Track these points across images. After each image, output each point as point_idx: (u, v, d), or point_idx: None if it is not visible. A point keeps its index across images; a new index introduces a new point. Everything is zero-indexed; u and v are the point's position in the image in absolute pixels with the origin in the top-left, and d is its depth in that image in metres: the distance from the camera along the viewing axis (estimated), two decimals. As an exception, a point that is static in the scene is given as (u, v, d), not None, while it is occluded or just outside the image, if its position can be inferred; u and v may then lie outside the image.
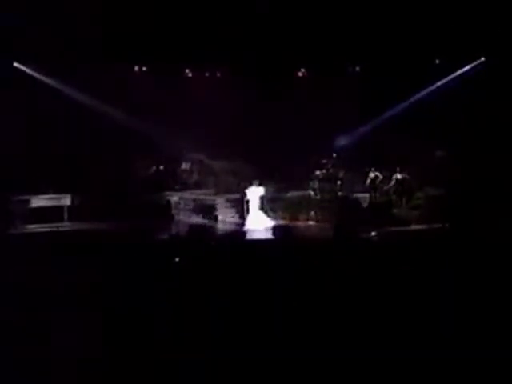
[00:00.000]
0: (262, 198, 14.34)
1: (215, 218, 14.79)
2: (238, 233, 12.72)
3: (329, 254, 7.20)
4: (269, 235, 12.51)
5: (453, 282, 5.70)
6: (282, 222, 14.25)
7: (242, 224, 14.06)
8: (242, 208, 14.44)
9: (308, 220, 14.63)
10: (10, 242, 10.45)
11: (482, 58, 15.55)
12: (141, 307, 5.15)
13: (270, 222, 14.20)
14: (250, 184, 14.51)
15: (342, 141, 16.44)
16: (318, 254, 7.11)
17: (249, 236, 12.49)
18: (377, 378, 4.14)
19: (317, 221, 14.43)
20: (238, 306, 5.25)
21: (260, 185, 14.46)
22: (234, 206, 15.04)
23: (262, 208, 14.38)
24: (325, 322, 4.89)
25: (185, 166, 17.34)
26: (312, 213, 14.76)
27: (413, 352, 4.33)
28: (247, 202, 14.34)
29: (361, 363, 4.23)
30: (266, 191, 14.65)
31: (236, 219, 14.64)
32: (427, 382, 4.13)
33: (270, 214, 14.81)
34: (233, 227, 14.00)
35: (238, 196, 14.97)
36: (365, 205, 14.91)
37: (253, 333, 4.73)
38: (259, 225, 13.82)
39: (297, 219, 14.69)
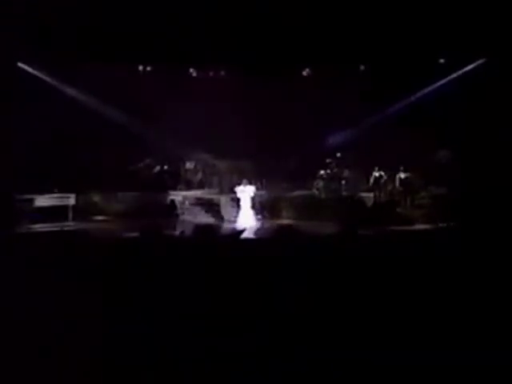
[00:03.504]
0: (252, 197, 14.46)
1: (221, 218, 14.84)
2: (239, 232, 12.69)
3: (332, 254, 7.16)
4: (260, 234, 12.64)
5: (458, 281, 5.63)
6: (284, 222, 14.25)
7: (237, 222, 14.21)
8: (238, 207, 14.59)
9: (311, 220, 14.62)
10: (16, 242, 10.36)
11: (485, 58, 15.45)
12: (144, 308, 5.09)
13: (262, 221, 14.37)
14: (239, 183, 14.63)
15: (346, 140, 16.38)
16: (321, 254, 7.02)
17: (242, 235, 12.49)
18: (377, 379, 4.13)
19: (320, 220, 14.41)
20: (239, 306, 5.21)
21: (249, 184, 14.58)
22: (237, 206, 15.05)
23: (252, 207, 14.48)
24: (326, 322, 4.88)
25: (189, 165, 17.38)
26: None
27: (416, 354, 4.30)
28: (238, 200, 14.49)
29: (363, 364, 4.22)
30: (258, 190, 14.84)
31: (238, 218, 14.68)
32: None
33: (270, 213, 14.90)
34: (236, 226, 14.00)
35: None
36: (369, 204, 14.92)
37: (255, 333, 4.72)
38: (250, 223, 13.90)
39: (300, 219, 14.63)
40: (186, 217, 15.05)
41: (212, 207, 15.25)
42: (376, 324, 4.79)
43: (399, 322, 4.82)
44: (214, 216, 14.95)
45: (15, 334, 4.57)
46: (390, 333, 4.65)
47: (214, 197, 15.85)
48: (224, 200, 15.39)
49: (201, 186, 17.09)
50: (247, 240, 11.01)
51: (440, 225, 12.50)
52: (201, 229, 9.86)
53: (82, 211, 14.80)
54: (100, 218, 14.96)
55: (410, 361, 4.20)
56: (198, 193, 16.30)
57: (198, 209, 15.35)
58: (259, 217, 14.78)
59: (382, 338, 4.56)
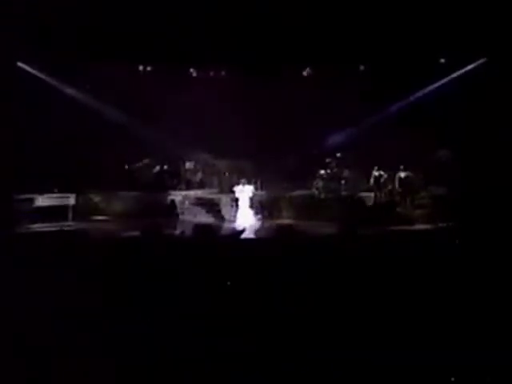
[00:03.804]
0: (251, 197, 14.47)
1: (222, 218, 14.82)
2: (239, 232, 12.70)
3: (332, 254, 7.15)
4: (260, 234, 12.63)
5: (458, 281, 5.69)
6: (284, 222, 14.22)
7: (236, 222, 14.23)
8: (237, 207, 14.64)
9: (311, 220, 14.57)
10: (16, 242, 10.34)
11: (485, 58, 15.38)
12: (143, 307, 5.14)
13: (261, 221, 14.38)
14: (238, 183, 14.66)
15: (346, 140, 16.35)
16: (321, 254, 7.05)
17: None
18: (377, 379, 4.14)
19: (320, 220, 14.36)
20: (239, 306, 5.26)
21: (247, 183, 14.60)
22: (236, 205, 14.98)
23: (251, 206, 14.50)
24: (326, 322, 4.90)
25: (189, 165, 17.32)
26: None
27: (416, 354, 4.32)
28: (236, 200, 14.51)
29: (363, 364, 4.23)
30: (256, 190, 14.90)
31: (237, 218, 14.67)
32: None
33: (269, 213, 14.94)
34: (236, 226, 13.98)
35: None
36: (369, 204, 14.89)
37: (255, 333, 4.74)
38: (248, 223, 13.88)
39: (300, 219, 14.57)
40: (186, 217, 15.01)
41: (212, 207, 15.21)
42: (376, 324, 4.83)
43: (399, 321, 4.85)
44: (214, 216, 14.91)
45: (14, 333, 4.60)
46: (390, 333, 4.67)
47: (215, 196, 15.81)
48: (224, 200, 15.34)
49: (201, 185, 17.04)
50: (247, 240, 11.00)
51: (440, 225, 12.47)
52: (200, 229, 9.87)
53: (82, 211, 14.76)
54: (100, 217, 14.92)
55: (410, 361, 4.21)
56: (198, 192, 16.24)
57: (198, 209, 15.31)
58: (258, 217, 14.75)
59: (382, 338, 4.58)
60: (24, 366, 4.19)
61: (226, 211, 15.04)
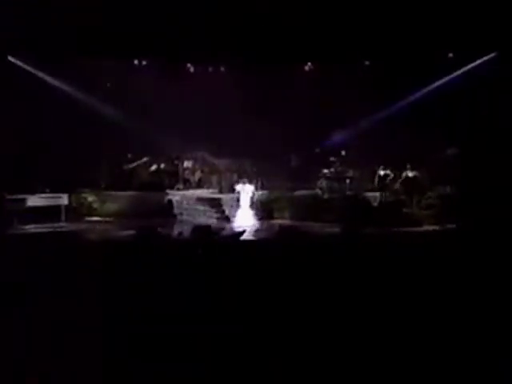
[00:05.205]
0: (251, 196, 14.50)
1: (224, 218, 14.50)
2: (239, 233, 12.47)
3: (335, 256, 7.07)
4: (261, 235, 12.34)
5: (464, 284, 5.60)
6: (286, 222, 13.94)
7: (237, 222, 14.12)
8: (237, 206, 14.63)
9: (314, 220, 14.16)
10: (8, 243, 10.16)
11: (495, 53, 15.16)
12: (140, 309, 5.03)
13: (261, 221, 14.16)
14: (238, 182, 14.72)
15: (351, 138, 16.13)
16: (323, 256, 6.97)
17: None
18: (377, 380, 4.09)
19: (323, 221, 13.96)
20: (239, 308, 5.16)
21: (248, 183, 14.63)
22: (236, 205, 14.88)
23: (251, 206, 14.47)
24: (327, 323, 4.83)
25: (187, 164, 17.15)
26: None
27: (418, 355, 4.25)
28: (237, 200, 14.53)
29: (363, 365, 4.20)
30: (257, 189, 14.88)
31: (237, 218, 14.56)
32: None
33: (270, 213, 14.69)
34: (236, 226, 13.66)
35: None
36: (374, 204, 14.58)
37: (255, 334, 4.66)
38: (249, 223, 13.76)
39: (302, 219, 14.16)
40: (185, 217, 14.75)
41: (214, 207, 14.93)
42: (377, 325, 4.78)
43: (402, 322, 4.79)
44: (215, 216, 14.62)
45: (11, 334, 4.57)
46: (392, 334, 4.63)
47: (216, 196, 15.55)
48: (224, 199, 15.08)
49: (199, 185, 16.91)
50: (247, 241, 10.77)
51: (448, 225, 12.20)
52: (199, 230, 9.60)
53: (75, 212, 14.54)
54: (94, 218, 14.70)
55: (411, 362, 4.18)
56: (197, 192, 16.06)
57: (198, 209, 15.03)
58: (259, 217, 14.54)
59: (383, 339, 4.54)
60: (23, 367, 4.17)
61: (227, 211, 14.77)
